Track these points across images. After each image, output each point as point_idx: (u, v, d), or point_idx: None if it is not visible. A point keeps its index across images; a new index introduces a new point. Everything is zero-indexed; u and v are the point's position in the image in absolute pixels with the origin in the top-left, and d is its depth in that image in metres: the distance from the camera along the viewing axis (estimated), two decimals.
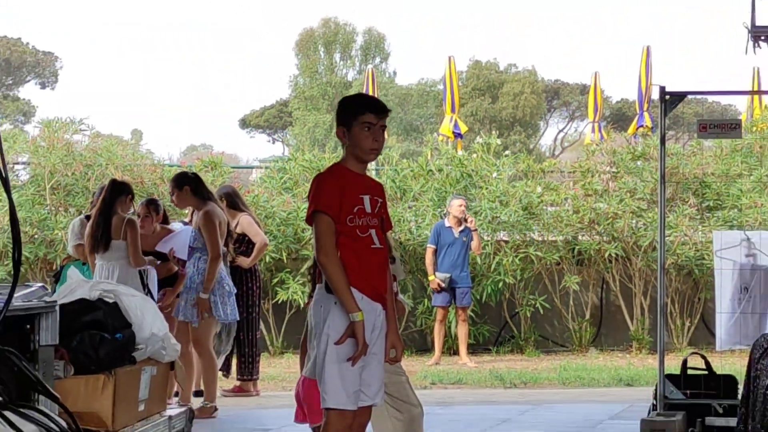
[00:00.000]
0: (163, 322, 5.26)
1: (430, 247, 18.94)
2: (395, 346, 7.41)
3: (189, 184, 12.93)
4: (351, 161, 7.25)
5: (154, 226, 13.51)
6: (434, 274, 18.79)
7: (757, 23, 11.22)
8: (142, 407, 5.06)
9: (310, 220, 7.14)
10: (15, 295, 4.11)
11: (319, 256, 7.02)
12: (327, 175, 7.24)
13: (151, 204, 13.76)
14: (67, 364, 4.53)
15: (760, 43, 11.29)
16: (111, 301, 5.06)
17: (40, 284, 4.58)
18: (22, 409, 3.68)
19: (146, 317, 5.10)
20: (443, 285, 18.70)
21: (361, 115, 7.18)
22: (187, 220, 14.44)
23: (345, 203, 7.09)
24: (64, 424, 3.84)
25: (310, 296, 7.55)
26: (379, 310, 7.17)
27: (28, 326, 4.31)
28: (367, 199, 7.19)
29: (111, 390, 4.69)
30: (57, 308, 4.41)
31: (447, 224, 18.87)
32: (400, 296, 8.87)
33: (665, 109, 12.22)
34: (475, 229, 18.99)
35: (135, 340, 5.04)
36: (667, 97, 12.14)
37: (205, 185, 13.21)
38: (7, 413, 3.60)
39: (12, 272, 4.11)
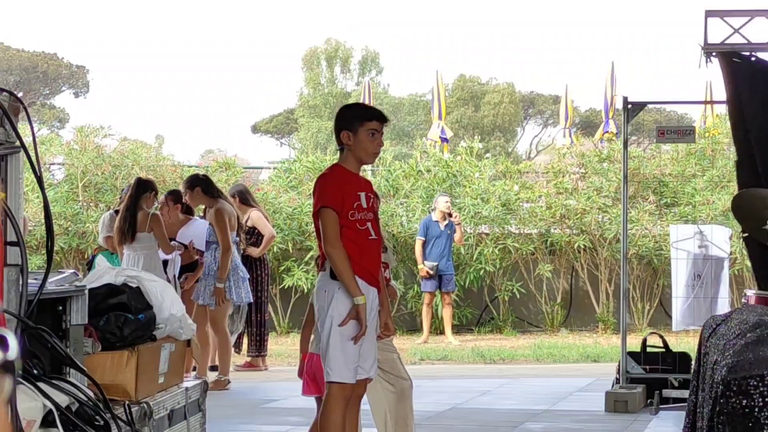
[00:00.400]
0: (180, 304, 5.26)
1: (419, 239, 18.94)
2: (387, 323, 7.45)
3: (200, 185, 12.97)
4: (350, 162, 7.22)
5: (175, 214, 13.51)
6: (423, 262, 18.80)
7: (709, 41, 11.22)
8: (162, 379, 5.05)
9: (316, 215, 7.12)
10: (49, 280, 4.12)
11: (326, 247, 7.01)
12: (330, 175, 7.20)
13: (171, 194, 13.80)
14: (95, 341, 4.52)
15: (711, 58, 11.28)
16: (134, 285, 5.05)
17: (72, 271, 4.57)
18: (54, 381, 3.70)
19: (165, 300, 5.10)
20: (431, 272, 18.71)
21: (368, 122, 7.14)
22: (202, 214, 14.41)
23: (346, 200, 7.07)
24: (91, 394, 3.84)
25: None
26: (374, 294, 7.17)
27: (61, 308, 4.31)
28: (363, 195, 7.19)
29: (134, 364, 4.69)
30: (86, 292, 4.41)
31: (434, 219, 18.87)
32: (393, 282, 8.86)
33: (627, 117, 12.25)
34: (459, 223, 19.01)
35: (155, 321, 5.03)
36: (630, 106, 12.18)
37: (214, 185, 13.23)
38: (41, 384, 3.61)
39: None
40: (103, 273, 5.02)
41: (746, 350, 3.45)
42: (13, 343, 1.14)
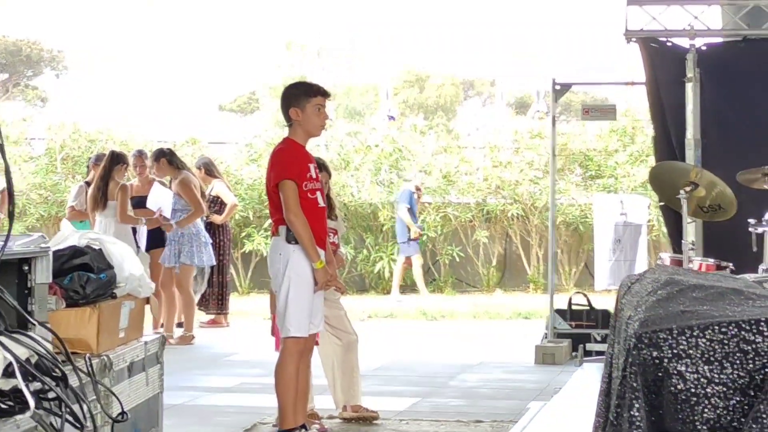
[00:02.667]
0: (139, 264, 5.16)
1: (406, 206, 18.86)
2: (336, 280, 7.42)
3: (165, 156, 12.93)
4: (300, 136, 7.12)
5: (146, 175, 13.36)
6: (415, 226, 18.80)
7: (629, 27, 11.23)
8: (122, 334, 4.95)
9: (275, 187, 7.01)
10: (17, 242, 4.03)
11: (288, 215, 6.91)
12: (286, 150, 7.09)
13: (142, 154, 13.72)
14: (59, 298, 4.43)
15: (631, 43, 11.31)
16: (97, 247, 4.96)
17: (39, 234, 4.47)
18: (15, 335, 3.61)
19: (125, 261, 5.00)
20: (421, 233, 18.80)
21: (314, 98, 7.06)
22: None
23: (302, 172, 6.99)
24: (50, 347, 3.75)
25: None
26: (323, 254, 7.09)
27: (26, 267, 4.22)
28: (312, 167, 7.12)
29: (96, 320, 4.59)
30: (50, 253, 4.29)
31: (413, 191, 18.95)
32: (341, 250, 8.78)
33: (555, 96, 12.22)
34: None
35: (116, 280, 4.93)
36: (557, 87, 12.14)
37: (177, 157, 13.16)
38: (2, 338, 3.52)
39: (22, 229, 4.04)
40: (68, 236, 4.93)
41: (657, 306, 3.40)
42: None
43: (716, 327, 3.22)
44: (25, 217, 19.90)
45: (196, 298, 13.67)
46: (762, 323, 3.20)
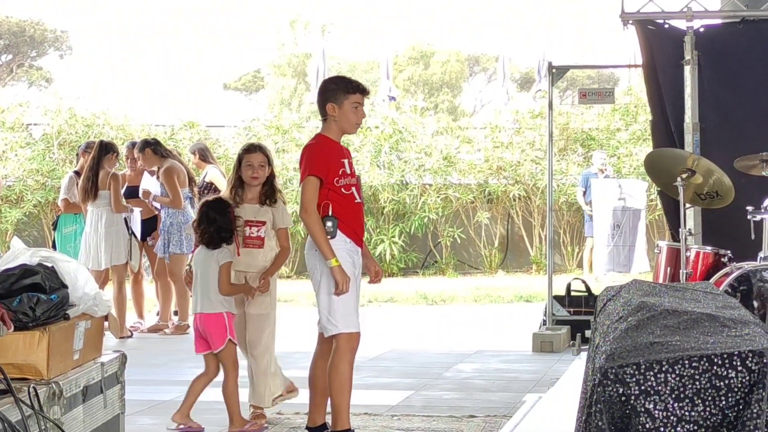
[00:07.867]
0: (94, 283, 4.96)
1: (580, 189, 18.56)
2: (377, 269, 7.21)
3: (149, 147, 12.79)
4: (334, 132, 6.95)
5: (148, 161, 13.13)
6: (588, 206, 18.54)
7: (626, 10, 11.05)
8: (77, 356, 4.76)
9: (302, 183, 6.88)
10: None
11: (301, 213, 6.78)
12: (316, 145, 6.92)
13: (135, 145, 13.51)
14: (1, 324, 4.23)
15: (628, 25, 11.13)
16: (49, 265, 4.77)
17: None
18: None
19: (79, 279, 4.81)
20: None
21: (352, 95, 6.89)
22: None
23: (332, 168, 6.82)
24: None
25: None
26: (359, 252, 6.95)
27: None
28: (346, 162, 6.96)
29: (46, 344, 4.41)
30: None
31: (593, 172, 18.57)
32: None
33: (552, 80, 12.04)
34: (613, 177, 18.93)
35: (69, 300, 4.74)
36: (554, 70, 11.96)
37: (162, 145, 13.02)
38: None
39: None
40: (19, 254, 4.73)
41: (626, 336, 3.21)
42: None
43: (687, 361, 3.01)
44: (22, 203, 19.79)
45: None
46: (735, 357, 3.00)
